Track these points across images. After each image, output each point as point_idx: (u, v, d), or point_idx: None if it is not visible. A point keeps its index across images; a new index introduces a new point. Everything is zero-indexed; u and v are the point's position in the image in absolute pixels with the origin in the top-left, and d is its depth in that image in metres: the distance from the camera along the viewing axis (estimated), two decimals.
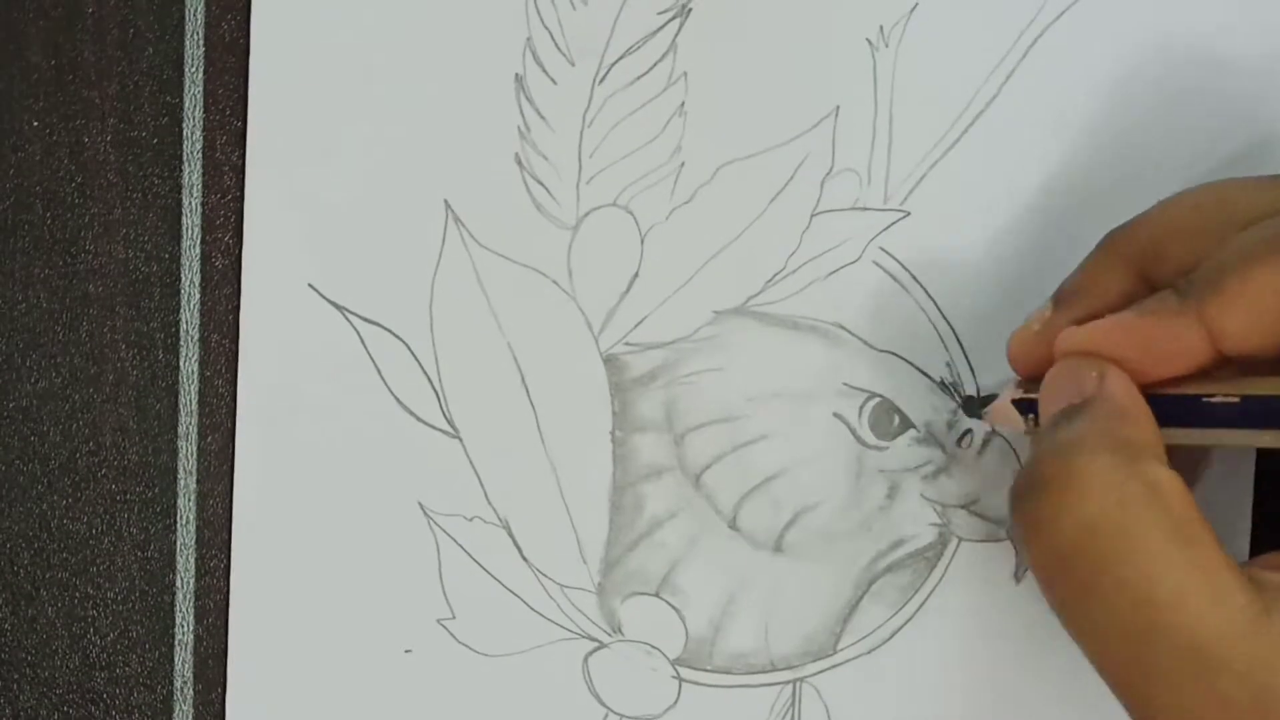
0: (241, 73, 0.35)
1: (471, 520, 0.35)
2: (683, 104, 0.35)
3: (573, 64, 0.35)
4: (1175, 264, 0.29)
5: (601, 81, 0.35)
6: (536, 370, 0.35)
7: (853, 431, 0.35)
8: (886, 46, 0.35)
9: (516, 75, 0.35)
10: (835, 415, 0.35)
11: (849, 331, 0.35)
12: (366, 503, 0.35)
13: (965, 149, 0.35)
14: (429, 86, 0.35)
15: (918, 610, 0.35)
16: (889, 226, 0.35)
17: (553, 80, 0.35)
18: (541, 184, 0.35)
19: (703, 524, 0.35)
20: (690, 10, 0.35)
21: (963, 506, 0.35)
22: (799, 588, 0.35)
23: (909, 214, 0.35)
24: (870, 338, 0.35)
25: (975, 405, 0.34)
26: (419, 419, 0.35)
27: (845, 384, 0.35)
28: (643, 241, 0.35)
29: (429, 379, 0.35)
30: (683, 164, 0.35)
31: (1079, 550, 0.27)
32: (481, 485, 0.35)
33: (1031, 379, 0.31)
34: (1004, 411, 0.32)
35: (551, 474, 0.35)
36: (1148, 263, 0.30)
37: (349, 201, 0.35)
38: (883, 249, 0.35)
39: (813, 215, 0.35)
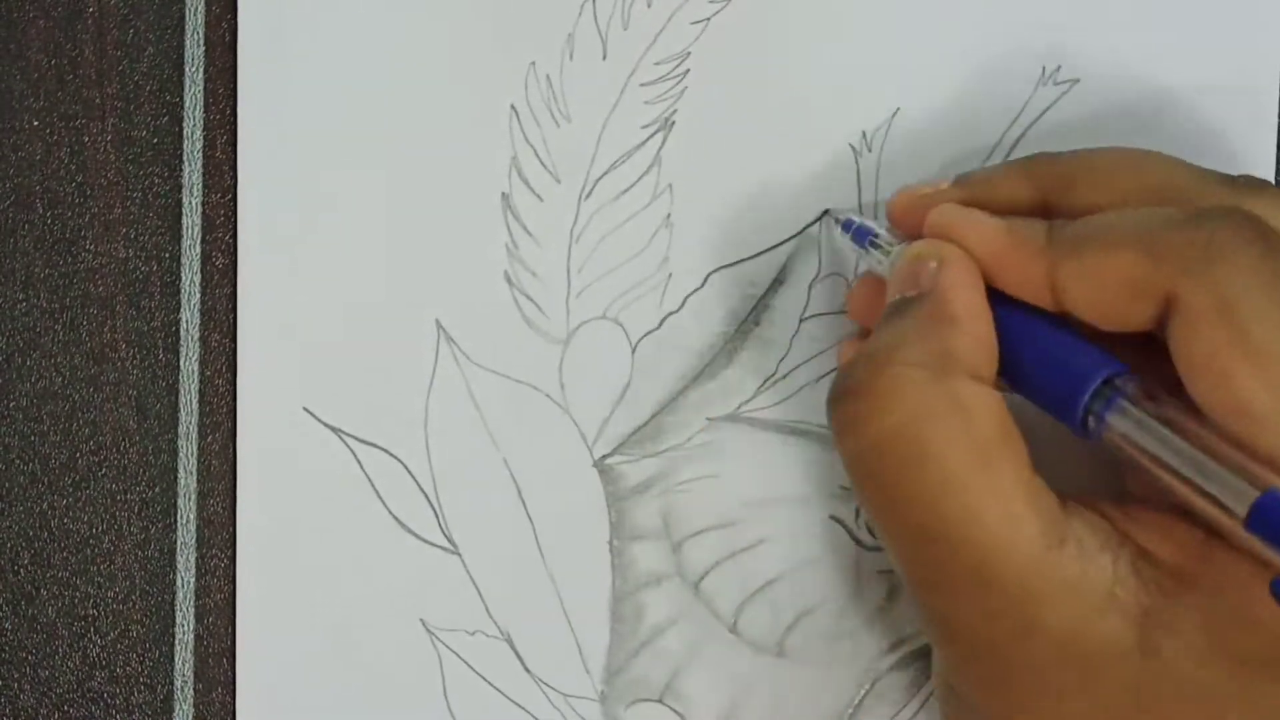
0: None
1: (473, 634, 0.35)
2: (669, 215, 0.35)
3: (558, 181, 0.35)
4: (1076, 202, 0.29)
5: (588, 197, 0.35)
6: (533, 483, 0.35)
7: (850, 534, 0.35)
8: (870, 151, 0.35)
9: (503, 194, 0.35)
10: (832, 518, 0.35)
11: None
12: (369, 622, 0.35)
13: None
14: (418, 207, 0.35)
15: (922, 707, 0.35)
16: None
17: (539, 197, 0.35)
18: (531, 300, 0.35)
19: (704, 630, 0.35)
20: (673, 124, 0.35)
21: None
22: (802, 690, 0.35)
23: None
24: None
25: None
26: (418, 536, 0.35)
27: (841, 486, 0.35)
28: (633, 352, 0.35)
29: (426, 496, 0.35)
30: (670, 274, 0.35)
31: (880, 455, 0.28)
32: (482, 599, 0.35)
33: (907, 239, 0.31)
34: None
35: (551, 585, 0.35)
36: (1055, 190, 0.30)
37: (342, 325, 0.35)
38: None
39: (801, 320, 0.35)
